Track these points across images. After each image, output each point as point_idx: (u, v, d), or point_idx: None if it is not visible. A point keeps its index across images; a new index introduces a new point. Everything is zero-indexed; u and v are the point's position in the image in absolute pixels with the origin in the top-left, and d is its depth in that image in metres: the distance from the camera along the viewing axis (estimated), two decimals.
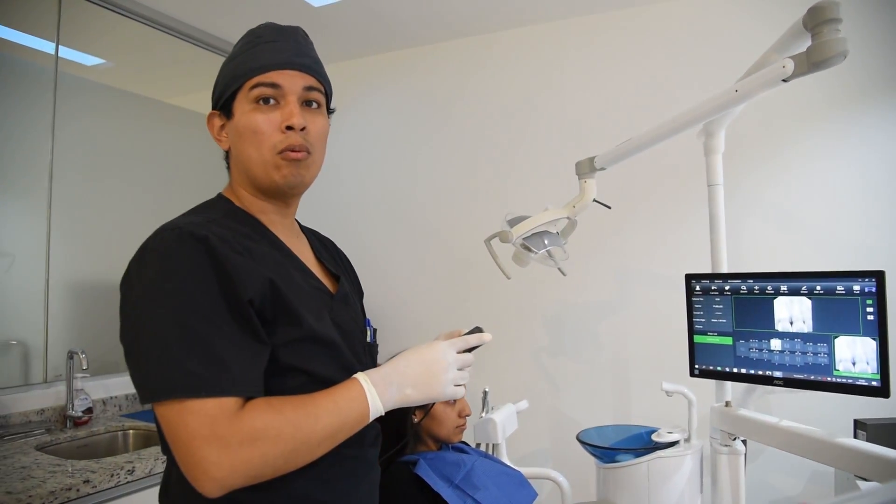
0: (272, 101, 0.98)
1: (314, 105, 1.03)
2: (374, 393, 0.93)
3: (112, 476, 1.70)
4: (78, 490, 1.61)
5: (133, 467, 1.75)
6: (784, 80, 1.15)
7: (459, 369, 1.01)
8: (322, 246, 1.22)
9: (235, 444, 0.81)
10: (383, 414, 0.94)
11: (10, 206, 2.18)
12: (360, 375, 0.95)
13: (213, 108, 1.04)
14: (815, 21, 1.07)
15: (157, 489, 1.02)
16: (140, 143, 2.61)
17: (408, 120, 3.06)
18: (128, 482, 1.74)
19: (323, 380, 0.96)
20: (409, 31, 2.89)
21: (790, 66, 1.11)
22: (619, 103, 2.57)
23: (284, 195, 1.04)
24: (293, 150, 0.98)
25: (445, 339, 1.05)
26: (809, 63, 1.09)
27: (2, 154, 2.13)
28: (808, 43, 1.10)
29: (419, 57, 3.04)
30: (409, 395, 0.96)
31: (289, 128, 0.97)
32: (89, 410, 2.19)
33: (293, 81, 0.99)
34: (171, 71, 2.86)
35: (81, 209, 2.36)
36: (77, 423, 2.15)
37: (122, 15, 2.51)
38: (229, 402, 0.83)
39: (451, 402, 1.53)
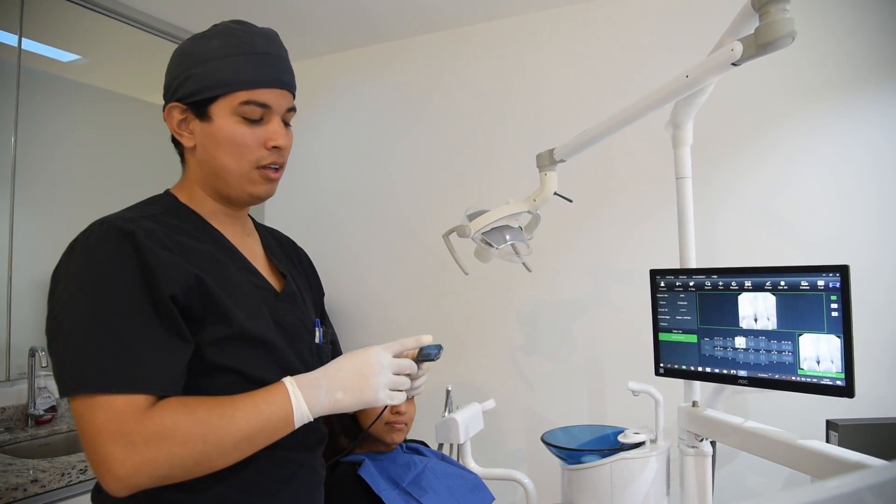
0: (256, 118, 0.98)
1: (289, 122, 1.04)
2: (300, 396, 0.90)
3: (63, 475, 1.66)
4: (25, 490, 1.57)
5: (85, 466, 1.71)
6: (734, 64, 1.10)
7: (397, 374, 0.97)
8: (277, 245, 1.19)
9: (141, 443, 0.80)
10: (311, 419, 0.91)
11: None
12: (287, 379, 0.92)
13: (174, 99, 0.99)
14: (762, 0, 1.02)
15: None
16: (112, 139, 2.58)
17: (383, 115, 3.02)
18: (80, 482, 1.70)
19: (256, 380, 0.94)
20: (382, 26, 2.85)
21: (738, 48, 1.06)
22: (595, 95, 2.52)
23: (247, 205, 1.05)
24: (273, 169, 1.00)
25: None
26: (757, 45, 1.03)
27: None
28: (757, 24, 1.05)
29: (393, 51, 3.00)
30: (341, 400, 0.92)
31: (275, 147, 0.98)
32: (52, 409, 2.16)
33: (280, 102, 1.00)
34: (145, 67, 2.83)
35: (47, 206, 2.33)
36: (39, 421, 2.11)
37: (93, 10, 2.47)
38: (139, 400, 0.82)
39: None
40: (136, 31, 2.68)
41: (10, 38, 2.20)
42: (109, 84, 2.65)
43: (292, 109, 1.04)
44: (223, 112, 0.97)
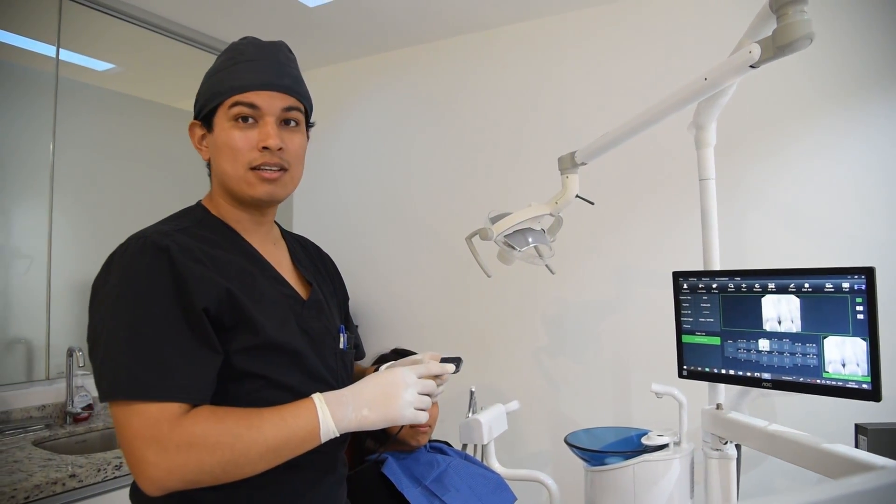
0: (250, 120, 1.02)
1: (292, 123, 1.06)
2: (328, 412, 0.93)
3: (99, 471, 1.72)
4: (63, 484, 1.63)
5: (120, 463, 1.77)
6: (752, 66, 1.09)
7: (421, 394, 1.01)
8: (304, 252, 1.23)
9: (173, 449, 0.84)
10: (337, 435, 0.94)
11: (13, 208, 2.23)
12: (315, 395, 0.96)
13: (195, 118, 1.08)
14: (780, 3, 1.02)
15: None
16: (144, 146, 2.66)
17: (404, 120, 3.05)
18: (114, 477, 1.76)
19: (282, 385, 0.99)
20: (404, 31, 2.88)
21: (756, 51, 1.06)
22: (617, 98, 2.51)
23: (258, 206, 1.08)
24: (268, 170, 1.02)
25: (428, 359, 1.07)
26: (775, 47, 1.03)
27: (5, 157, 2.19)
28: (775, 26, 1.04)
29: (415, 56, 3.03)
30: (367, 417, 0.96)
31: (265, 148, 1.01)
32: (89, 407, 2.23)
33: (272, 103, 1.02)
34: (176, 74, 2.91)
35: (84, 212, 2.42)
36: (77, 419, 2.19)
37: (125, 20, 2.55)
38: (172, 408, 0.87)
39: None
40: (168, 40, 2.76)
41: (49, 49, 2.29)
42: (142, 92, 2.73)
43: (292, 109, 1.05)
44: (220, 120, 1.03)
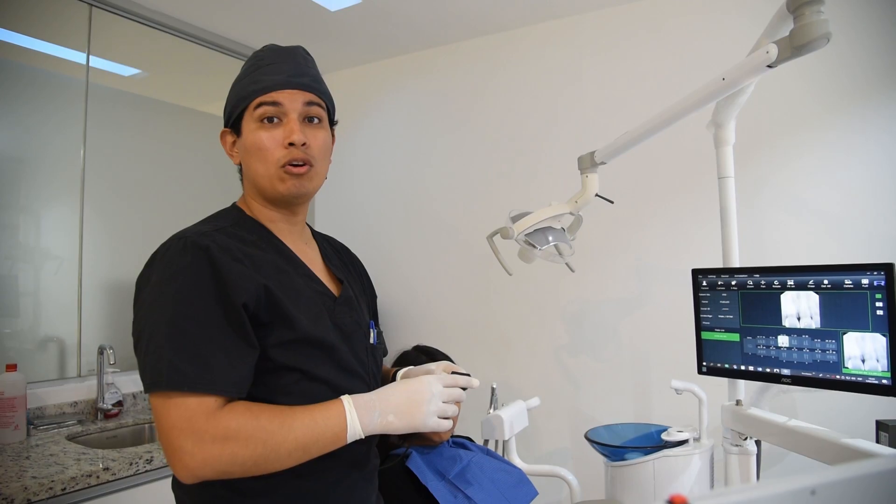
0: (275, 120, 1.06)
1: (315, 121, 1.11)
2: (355, 415, 0.97)
3: (131, 465, 1.77)
4: (98, 477, 1.69)
5: (151, 457, 1.82)
6: (770, 66, 1.11)
7: (446, 402, 1.04)
8: (334, 251, 1.28)
9: (208, 440, 0.88)
10: (363, 437, 0.98)
11: (46, 210, 2.30)
12: (345, 397, 0.99)
13: (225, 126, 1.13)
14: (797, 3, 1.04)
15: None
16: (171, 149, 2.72)
17: (424, 121, 3.08)
18: (146, 471, 1.81)
19: (317, 378, 1.02)
20: (424, 33, 2.92)
21: (774, 51, 1.08)
22: (637, 97, 2.52)
23: (290, 204, 1.12)
24: (295, 165, 1.06)
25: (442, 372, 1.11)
26: (792, 47, 1.05)
27: (37, 161, 2.26)
28: (792, 26, 1.06)
29: (434, 58, 3.06)
30: (392, 423, 0.99)
31: (290, 144, 1.05)
32: (119, 403, 2.29)
33: (293, 99, 1.07)
34: (201, 79, 2.97)
35: (113, 214, 2.48)
36: (107, 415, 2.25)
37: (151, 27, 2.61)
38: (210, 401, 0.90)
39: None
40: (193, 45, 2.82)
41: (80, 56, 2.36)
42: (168, 96, 2.79)
43: (313, 104, 1.09)
44: (247, 123, 1.08)
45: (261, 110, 1.05)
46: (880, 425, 1.70)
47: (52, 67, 2.34)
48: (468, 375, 1.11)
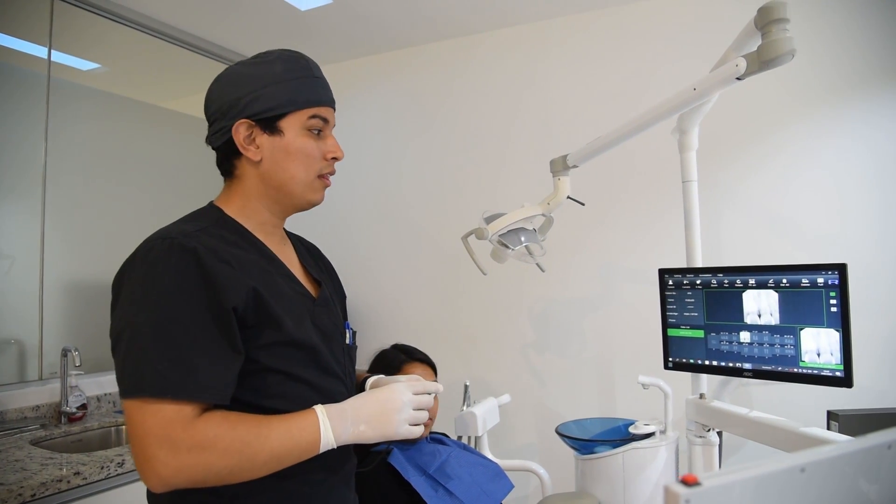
0: (318, 132, 1.10)
1: None
2: (329, 426, 0.98)
3: (102, 468, 1.74)
4: (69, 482, 1.66)
5: (123, 460, 1.80)
6: (738, 79, 1.18)
7: (417, 409, 1.06)
8: (307, 251, 1.28)
9: (184, 449, 0.87)
10: (335, 447, 0.98)
11: (5, 208, 2.23)
12: (318, 407, 1.00)
13: (242, 116, 1.05)
14: (764, 21, 1.11)
15: None
16: (134, 146, 2.66)
17: (394, 121, 3.10)
18: (118, 475, 1.79)
19: (301, 380, 1.03)
20: (394, 34, 2.94)
21: (742, 64, 1.15)
22: (603, 102, 2.60)
23: (301, 211, 1.15)
24: (328, 177, 1.13)
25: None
26: (760, 62, 1.12)
27: None
28: (759, 42, 1.13)
29: (405, 59, 3.09)
30: (364, 432, 1.00)
31: (334, 158, 1.12)
32: (83, 406, 2.24)
33: (332, 118, 1.14)
34: (165, 75, 2.92)
35: (75, 211, 2.42)
36: (71, 418, 2.20)
37: (115, 21, 2.56)
38: (187, 409, 0.89)
39: None
40: (158, 41, 2.76)
41: (41, 51, 2.29)
42: (127, 91, 2.73)
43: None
44: (293, 127, 1.07)
45: (314, 121, 1.08)
46: (831, 415, 1.81)
47: (13, 61, 2.27)
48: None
